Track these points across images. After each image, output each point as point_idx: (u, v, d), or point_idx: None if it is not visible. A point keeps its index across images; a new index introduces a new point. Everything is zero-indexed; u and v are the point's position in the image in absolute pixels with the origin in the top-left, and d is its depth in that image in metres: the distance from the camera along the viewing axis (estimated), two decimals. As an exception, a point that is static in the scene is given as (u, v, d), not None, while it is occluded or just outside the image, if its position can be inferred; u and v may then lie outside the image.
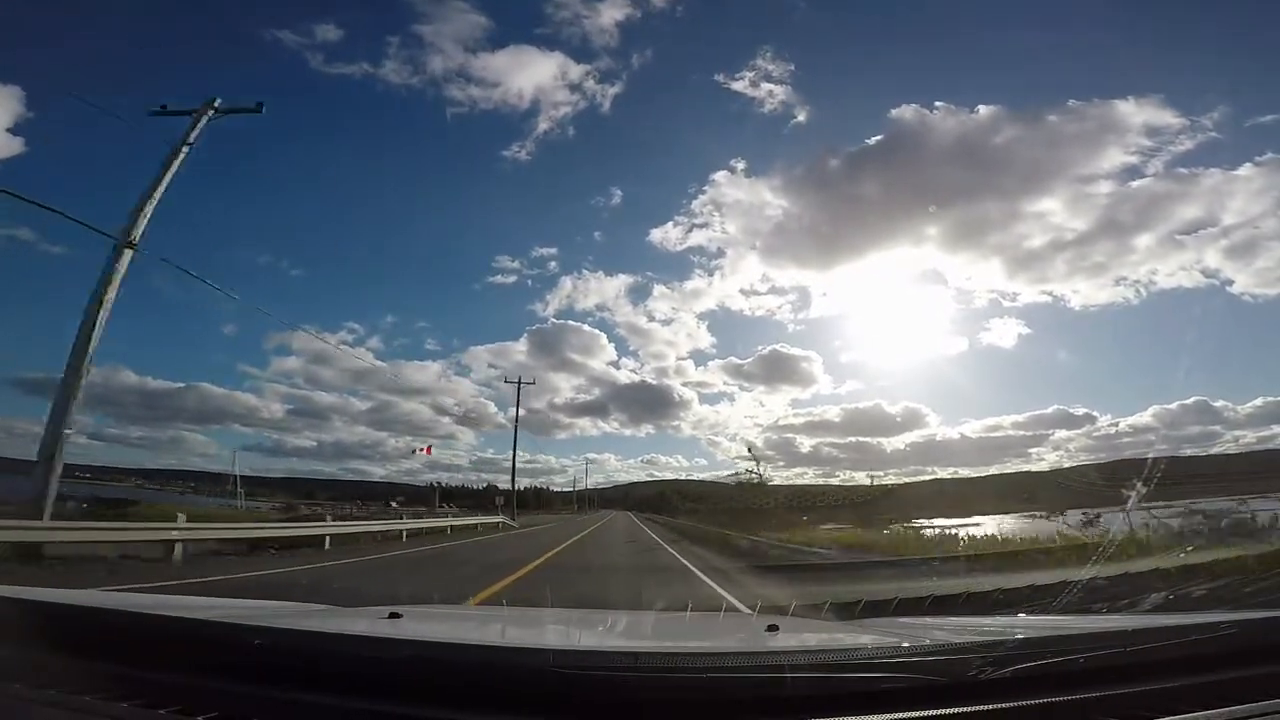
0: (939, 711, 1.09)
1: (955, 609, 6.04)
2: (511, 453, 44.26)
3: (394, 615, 1.84)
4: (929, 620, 2.72)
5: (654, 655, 1.22)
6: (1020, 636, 1.35)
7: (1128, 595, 4.92)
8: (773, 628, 1.87)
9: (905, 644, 1.37)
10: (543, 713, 1.07)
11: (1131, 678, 1.19)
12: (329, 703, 1.09)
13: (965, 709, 1.09)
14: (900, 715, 1.08)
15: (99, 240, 12.26)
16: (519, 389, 42.84)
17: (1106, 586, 5.51)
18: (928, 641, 1.36)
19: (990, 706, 1.10)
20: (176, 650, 1.25)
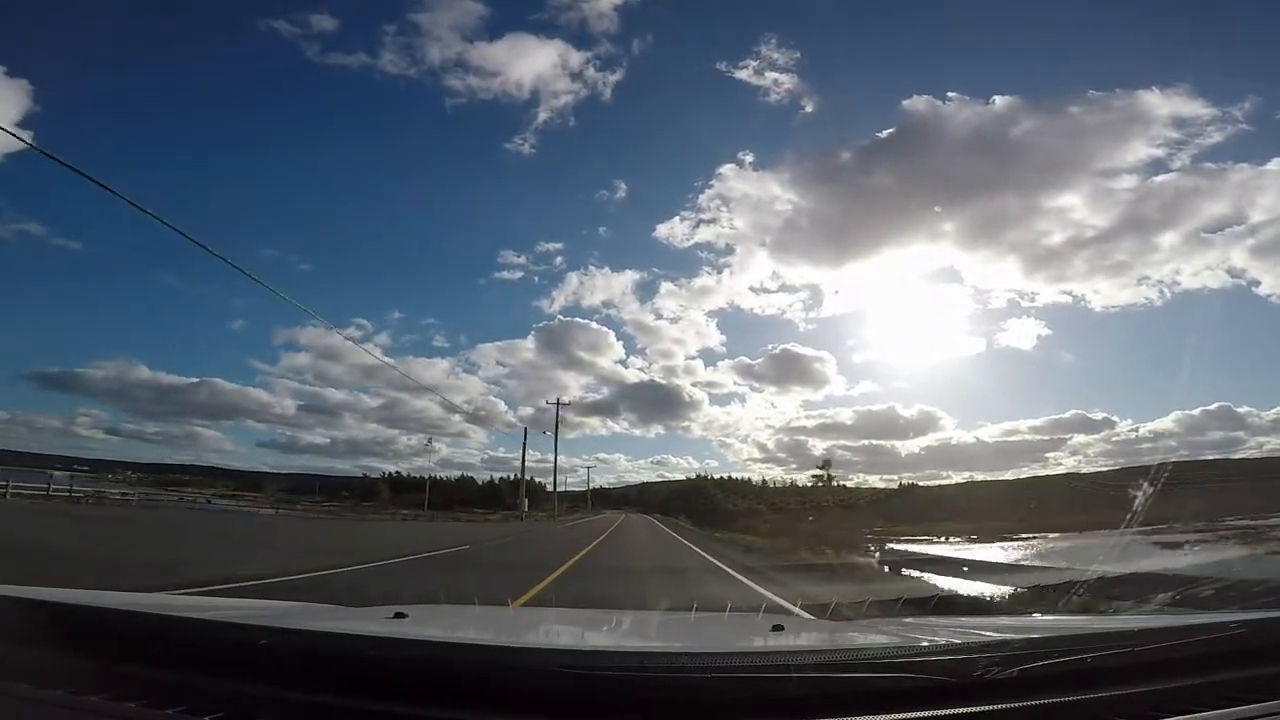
0: (945, 711, 1.08)
1: (960, 609, 6.02)
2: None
3: (400, 615, 1.84)
4: (934, 620, 2.72)
5: (660, 655, 1.22)
6: (1026, 636, 1.35)
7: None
8: (778, 627, 1.87)
9: (911, 644, 1.37)
10: (549, 713, 1.06)
11: (1139, 678, 1.19)
12: (335, 703, 1.09)
13: (971, 709, 1.09)
14: (906, 715, 1.08)
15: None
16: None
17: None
18: (934, 641, 1.35)
19: (996, 707, 1.10)
20: (183, 650, 1.25)
